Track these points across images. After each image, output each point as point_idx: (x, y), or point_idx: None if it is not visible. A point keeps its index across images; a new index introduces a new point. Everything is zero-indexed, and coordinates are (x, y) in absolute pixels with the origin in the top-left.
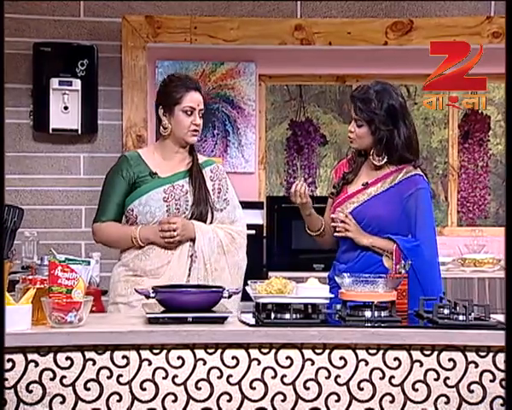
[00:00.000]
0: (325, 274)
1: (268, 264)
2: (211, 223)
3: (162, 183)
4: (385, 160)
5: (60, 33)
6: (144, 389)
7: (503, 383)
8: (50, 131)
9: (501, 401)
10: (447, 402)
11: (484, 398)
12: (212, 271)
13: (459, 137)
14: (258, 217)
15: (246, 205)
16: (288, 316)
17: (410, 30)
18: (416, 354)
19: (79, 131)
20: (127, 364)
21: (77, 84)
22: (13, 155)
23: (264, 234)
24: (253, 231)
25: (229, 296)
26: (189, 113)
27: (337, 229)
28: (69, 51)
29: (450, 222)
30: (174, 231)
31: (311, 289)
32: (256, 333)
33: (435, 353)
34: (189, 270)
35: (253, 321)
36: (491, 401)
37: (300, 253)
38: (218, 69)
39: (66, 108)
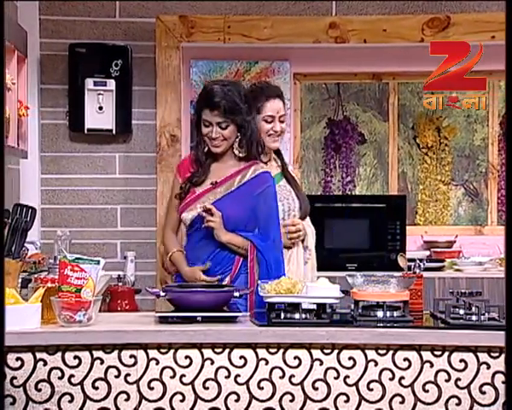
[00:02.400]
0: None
1: None
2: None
3: None
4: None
5: (95, 34)
6: (152, 389)
7: None
8: (86, 131)
9: None
10: (458, 404)
11: (496, 400)
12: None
13: (500, 134)
14: None
15: None
16: (297, 316)
17: (448, 26)
18: (427, 355)
19: (114, 132)
20: (135, 363)
21: (111, 84)
22: (50, 155)
23: None
24: None
25: (241, 296)
26: (270, 121)
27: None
28: (103, 52)
29: (490, 221)
30: (300, 230)
31: (321, 288)
32: (264, 333)
33: (446, 353)
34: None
35: (263, 321)
36: (504, 403)
37: (333, 252)
38: (253, 68)
39: (100, 108)
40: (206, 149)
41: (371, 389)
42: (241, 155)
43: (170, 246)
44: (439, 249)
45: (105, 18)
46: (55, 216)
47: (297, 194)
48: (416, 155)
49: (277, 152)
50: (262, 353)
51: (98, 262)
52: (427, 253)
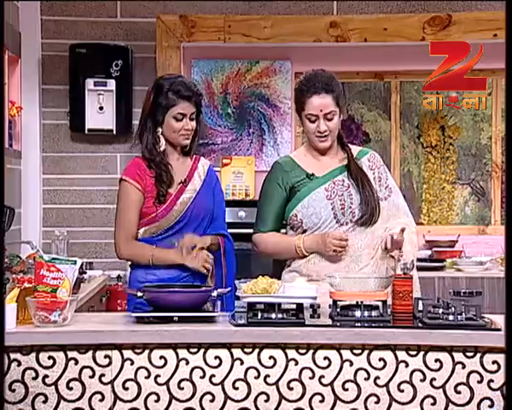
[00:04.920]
0: None
1: None
2: (378, 216)
3: (322, 182)
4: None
5: (96, 34)
6: (126, 389)
7: (491, 384)
8: (86, 131)
9: (489, 402)
10: (433, 403)
11: (471, 399)
12: None
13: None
14: None
15: None
16: (273, 316)
17: (449, 25)
18: (402, 355)
19: (114, 132)
20: (109, 363)
21: (111, 84)
22: (51, 155)
23: None
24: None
25: (218, 296)
26: (313, 119)
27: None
28: (104, 52)
29: (493, 220)
30: (345, 241)
31: (298, 288)
32: (238, 333)
33: (421, 353)
34: None
35: (242, 321)
36: (479, 403)
37: None
38: (254, 68)
39: (101, 108)
40: (163, 147)
41: (346, 389)
42: (188, 148)
43: (146, 249)
44: (440, 249)
45: (106, 18)
46: (57, 216)
47: (359, 190)
48: (422, 154)
49: (343, 143)
50: (237, 353)
51: (75, 262)
52: (429, 252)
